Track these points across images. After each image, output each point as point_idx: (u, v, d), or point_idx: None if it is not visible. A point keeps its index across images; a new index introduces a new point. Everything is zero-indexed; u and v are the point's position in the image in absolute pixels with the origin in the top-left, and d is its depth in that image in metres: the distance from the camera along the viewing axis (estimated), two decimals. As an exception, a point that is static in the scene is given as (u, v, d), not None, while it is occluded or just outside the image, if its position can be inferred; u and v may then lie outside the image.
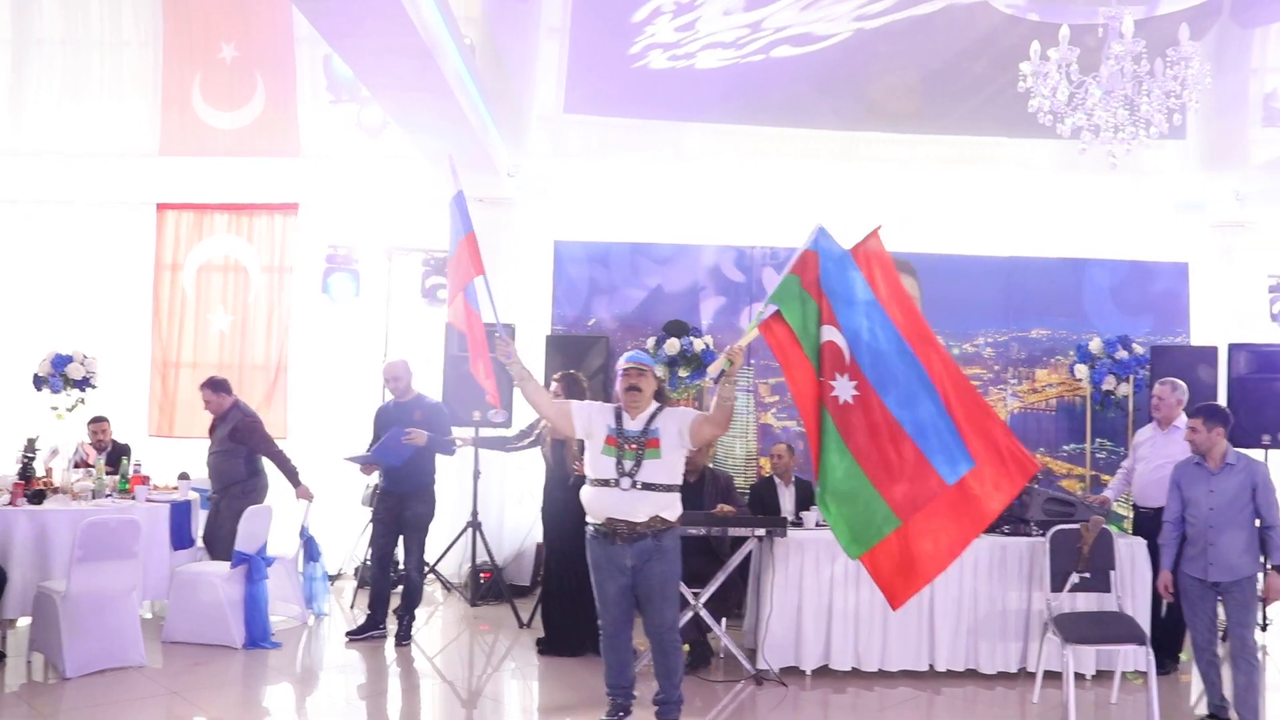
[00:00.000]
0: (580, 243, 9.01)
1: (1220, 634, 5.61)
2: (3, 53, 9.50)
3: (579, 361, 7.92)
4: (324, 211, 9.26)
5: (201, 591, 6.73)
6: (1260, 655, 6.37)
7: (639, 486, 4.96)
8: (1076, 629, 5.62)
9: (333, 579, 8.86)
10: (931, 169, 9.21)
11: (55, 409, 8.43)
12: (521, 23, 8.76)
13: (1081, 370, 8.47)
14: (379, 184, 9.14)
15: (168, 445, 8.98)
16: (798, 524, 6.75)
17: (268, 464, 7.62)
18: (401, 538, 7.14)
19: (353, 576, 8.76)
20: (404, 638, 7.01)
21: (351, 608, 8.03)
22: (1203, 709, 5.71)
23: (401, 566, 7.30)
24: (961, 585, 6.43)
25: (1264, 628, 7.02)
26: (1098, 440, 8.70)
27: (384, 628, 7.10)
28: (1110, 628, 5.69)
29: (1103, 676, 6.35)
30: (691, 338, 8.22)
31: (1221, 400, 7.57)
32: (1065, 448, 8.82)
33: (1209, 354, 8.10)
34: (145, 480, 7.30)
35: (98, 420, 8.23)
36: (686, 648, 6.60)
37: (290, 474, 7.48)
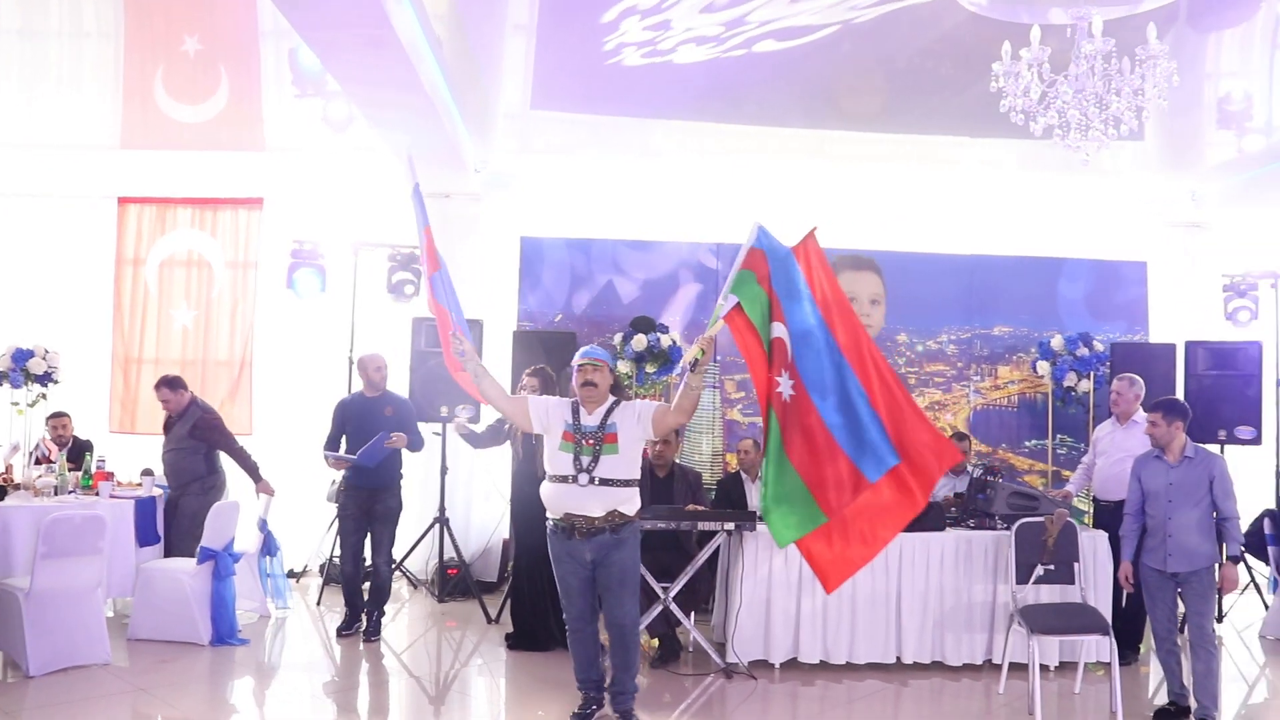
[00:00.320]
0: (547, 239, 9.02)
1: (1180, 623, 5.73)
2: (-41, 43, 9.33)
3: (546, 358, 7.89)
4: (289, 206, 9.18)
5: (167, 588, 6.66)
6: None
7: (596, 482, 4.98)
8: (1042, 620, 5.72)
9: (298, 576, 8.82)
10: (896, 167, 9.30)
11: (16, 404, 8.30)
12: (488, 19, 8.72)
13: (1043, 367, 8.60)
14: (345, 178, 9.08)
15: (129, 441, 8.86)
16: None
17: (226, 460, 7.56)
18: (370, 532, 7.10)
19: (319, 573, 8.70)
20: (373, 633, 7.00)
21: (318, 604, 7.98)
22: (1162, 698, 5.83)
23: (369, 562, 7.27)
24: (928, 579, 6.51)
25: (1220, 619, 7.18)
26: (1059, 436, 8.85)
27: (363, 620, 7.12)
28: (1075, 619, 5.79)
29: (1065, 668, 6.45)
30: (658, 334, 8.25)
31: (1179, 397, 7.72)
32: (1027, 443, 8.96)
33: (1167, 351, 8.26)
34: (109, 476, 7.21)
35: (58, 415, 8.11)
36: (655, 642, 6.65)
37: (251, 470, 7.43)
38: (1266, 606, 7.85)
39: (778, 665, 6.45)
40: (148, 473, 7.53)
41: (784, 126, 9.32)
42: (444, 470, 8.16)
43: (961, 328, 9.06)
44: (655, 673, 6.41)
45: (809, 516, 4.96)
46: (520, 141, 9.18)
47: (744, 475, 7.59)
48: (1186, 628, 5.57)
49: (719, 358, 8.71)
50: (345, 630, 7.06)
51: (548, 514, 5.15)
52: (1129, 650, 6.57)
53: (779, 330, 5.06)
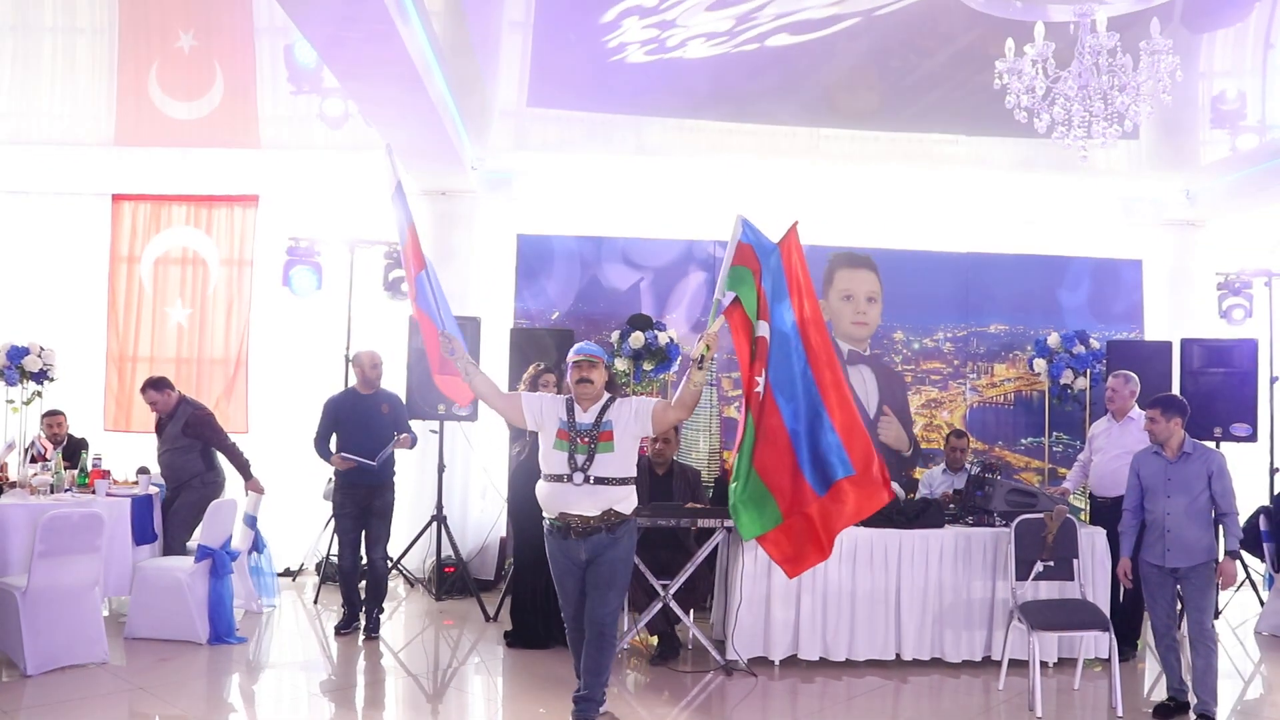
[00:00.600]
0: (543, 236, 9.01)
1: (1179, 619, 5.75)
2: (-48, 40, 9.29)
3: (543, 356, 7.90)
4: (285, 203, 9.15)
5: (165, 586, 6.63)
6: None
7: (591, 481, 4.90)
8: (1042, 616, 5.74)
9: (294, 574, 8.79)
10: (892, 165, 9.32)
11: (11, 402, 8.26)
12: (486, 15, 8.72)
13: (1040, 364, 8.63)
14: (341, 175, 9.06)
15: (124, 440, 8.82)
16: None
17: (223, 458, 7.55)
18: (366, 528, 7.08)
19: (314, 572, 8.67)
20: (374, 631, 6.99)
21: (315, 603, 7.96)
22: (1160, 694, 5.85)
23: (365, 559, 7.25)
24: (927, 575, 6.52)
25: (1216, 615, 7.19)
26: (1055, 434, 8.87)
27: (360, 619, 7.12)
28: (1075, 614, 5.81)
29: (1064, 664, 6.47)
30: (656, 331, 8.25)
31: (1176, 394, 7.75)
32: (1023, 441, 8.98)
33: (1163, 349, 8.29)
34: (105, 474, 7.17)
35: (53, 414, 8.07)
36: (655, 640, 6.65)
37: (242, 467, 7.41)
38: (1262, 603, 7.89)
39: (777, 662, 6.45)
40: (144, 471, 7.50)
41: (780, 124, 9.33)
42: (441, 468, 8.15)
43: (958, 325, 9.08)
44: (655, 670, 6.41)
45: (771, 516, 5.27)
46: (517, 139, 9.18)
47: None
48: (1185, 623, 5.58)
49: (715, 355, 8.70)
50: (344, 629, 7.04)
51: (543, 513, 5.08)
52: (1127, 646, 6.59)
53: (763, 329, 5.16)
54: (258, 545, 7.67)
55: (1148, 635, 6.60)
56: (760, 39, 8.80)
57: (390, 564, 7.41)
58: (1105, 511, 6.79)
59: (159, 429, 7.57)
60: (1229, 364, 8.18)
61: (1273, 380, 8.54)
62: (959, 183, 9.37)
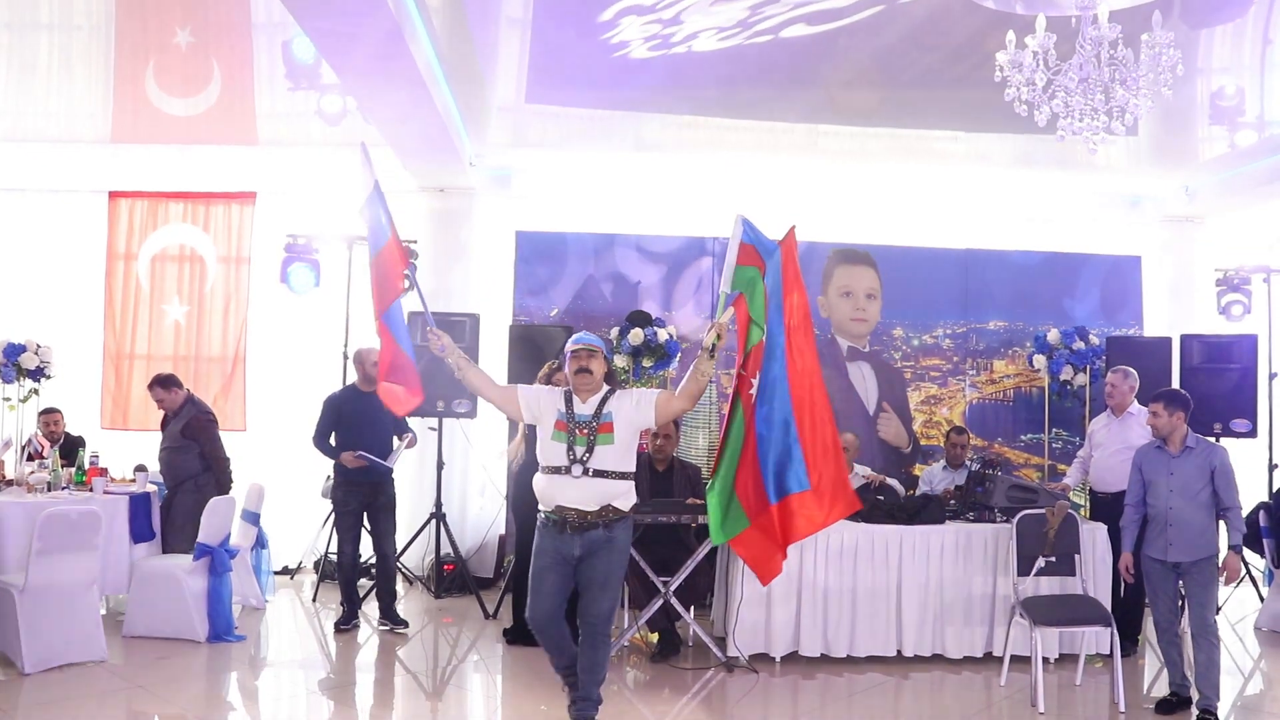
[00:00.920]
0: (542, 233, 8.99)
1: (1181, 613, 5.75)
2: (-52, 37, 9.24)
3: (542, 352, 7.87)
4: (282, 200, 9.13)
5: (164, 584, 6.61)
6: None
7: (591, 474, 4.74)
8: (1045, 612, 5.73)
9: (293, 572, 8.77)
10: (891, 162, 9.29)
11: (8, 400, 8.23)
12: (484, 12, 8.69)
13: (1040, 361, 8.62)
14: (339, 172, 9.01)
15: (121, 438, 8.80)
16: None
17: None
18: (373, 524, 7.13)
19: (313, 570, 8.65)
20: (397, 620, 7.08)
21: (314, 600, 7.94)
22: (1162, 689, 5.84)
23: (375, 554, 7.24)
24: (928, 571, 6.51)
25: (1217, 610, 7.19)
26: (1055, 430, 8.87)
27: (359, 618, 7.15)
28: (1077, 610, 5.80)
29: (1065, 660, 6.46)
30: (655, 328, 8.23)
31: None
32: (1023, 438, 8.98)
33: (1163, 345, 8.28)
34: (103, 472, 7.15)
35: (50, 411, 8.05)
36: (655, 636, 6.64)
37: (223, 483, 7.33)
38: (1262, 599, 7.89)
39: (778, 659, 6.43)
40: (141, 469, 7.48)
41: (779, 121, 9.31)
42: (440, 465, 8.12)
43: (957, 322, 9.07)
44: (655, 667, 6.39)
45: (738, 519, 5.34)
46: (516, 135, 9.14)
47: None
48: (1187, 618, 5.57)
49: (724, 345, 8.69)
50: (344, 625, 7.03)
51: (539, 506, 4.92)
52: (1127, 642, 6.57)
53: (757, 334, 5.17)
54: (261, 541, 7.66)
55: (1148, 631, 6.61)
56: (775, 30, 8.76)
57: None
58: (1106, 507, 6.78)
59: (164, 426, 7.54)
60: (1228, 360, 8.17)
61: (1272, 376, 8.53)
62: (958, 179, 9.35)
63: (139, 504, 7.08)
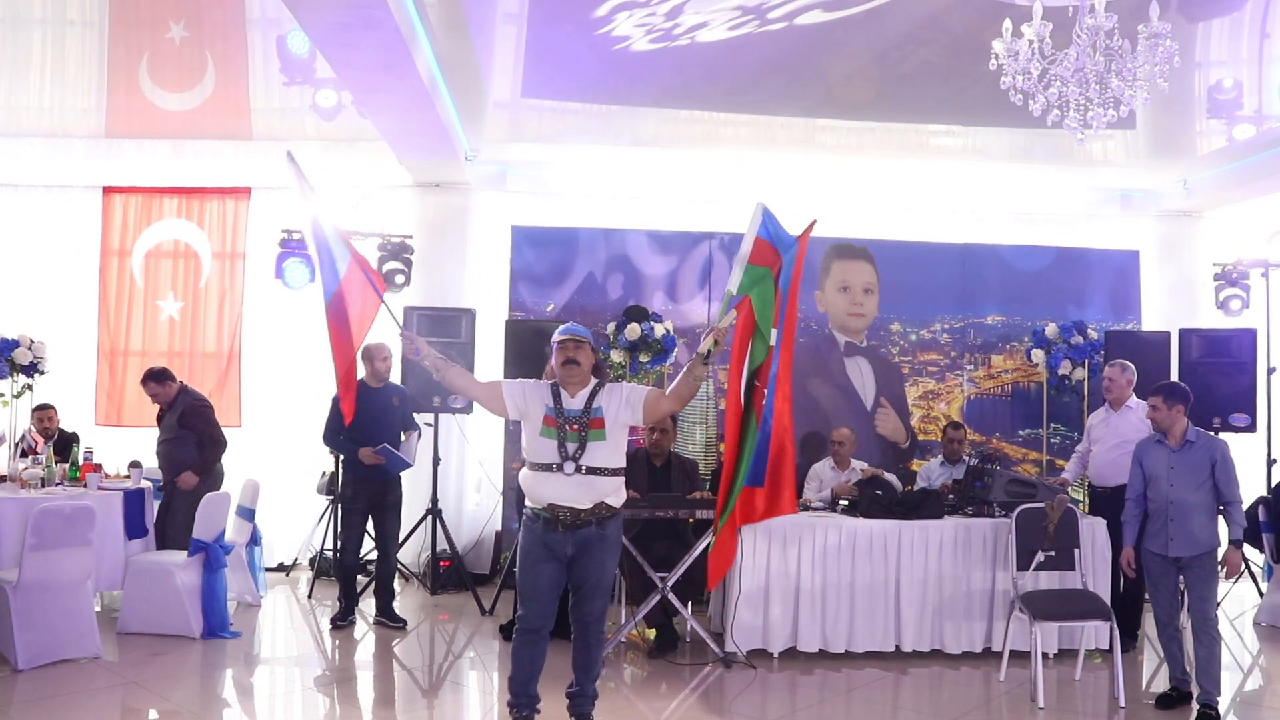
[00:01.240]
0: (537, 228, 8.96)
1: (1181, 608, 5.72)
2: (-60, 32, 9.19)
3: (538, 348, 7.83)
4: (277, 195, 9.07)
5: (158, 580, 6.56)
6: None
7: (584, 471, 4.59)
8: (1044, 606, 5.70)
9: (288, 569, 8.73)
10: (888, 156, 9.27)
11: (1, 396, 8.18)
12: (479, 7, 8.65)
13: (1038, 355, 8.60)
14: (333, 167, 8.99)
15: (116, 434, 8.76)
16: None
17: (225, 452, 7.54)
18: (377, 523, 7.08)
19: (308, 566, 8.62)
20: (398, 620, 7.04)
21: (310, 597, 7.90)
22: (1161, 684, 5.82)
23: (377, 553, 7.21)
24: (926, 566, 6.49)
25: (1216, 605, 7.17)
26: (1053, 425, 8.85)
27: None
28: (1077, 604, 5.77)
29: (1064, 655, 6.44)
30: (652, 323, 8.19)
31: (1176, 383, 7.73)
32: (1021, 432, 8.95)
33: (1162, 339, 8.26)
34: (97, 468, 7.12)
35: (44, 408, 8.01)
36: (653, 632, 6.61)
37: (208, 462, 7.33)
38: (1261, 594, 7.87)
39: (776, 654, 6.41)
40: (135, 465, 7.44)
41: (776, 115, 9.28)
42: (436, 461, 8.09)
43: (955, 317, 9.05)
44: (653, 663, 6.36)
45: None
46: (512, 130, 9.11)
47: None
48: (1188, 613, 5.55)
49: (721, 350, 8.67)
50: (340, 622, 6.99)
51: (527, 503, 4.77)
52: (1127, 637, 6.54)
53: (763, 347, 5.05)
54: (256, 538, 7.63)
55: (1148, 626, 6.58)
56: (789, 17, 8.72)
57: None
58: (1105, 501, 6.75)
59: (160, 420, 7.52)
60: (1227, 354, 8.16)
61: (1271, 370, 8.51)
62: (956, 173, 9.32)
63: (133, 500, 7.04)
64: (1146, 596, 5.97)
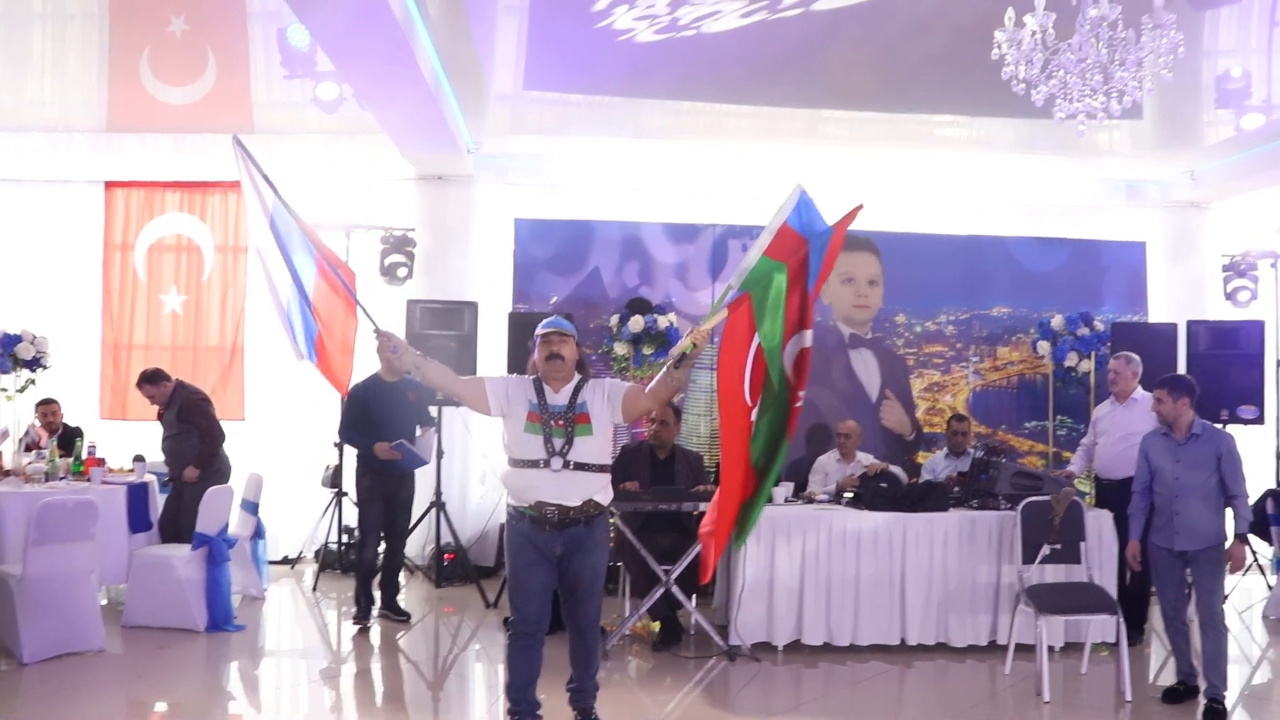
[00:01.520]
0: (540, 220, 8.93)
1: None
2: (-59, 26, 9.17)
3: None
4: (279, 189, 9.03)
5: (162, 574, 6.57)
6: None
7: (571, 467, 4.45)
8: (1050, 600, 5.68)
9: (293, 562, 8.74)
10: (893, 147, 9.22)
11: (4, 390, 8.18)
12: (480, -1, 8.64)
13: (1044, 347, 8.55)
14: (335, 160, 8.97)
15: (119, 428, 8.76)
16: (768, 500, 6.69)
17: (227, 445, 7.53)
18: (388, 518, 7.02)
19: (313, 559, 8.61)
20: (400, 611, 7.05)
21: (314, 590, 7.90)
22: (1168, 678, 5.79)
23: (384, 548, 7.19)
24: (931, 559, 6.46)
25: (1224, 599, 7.14)
26: (1059, 417, 8.81)
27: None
28: (1082, 598, 5.75)
29: (1070, 649, 6.41)
30: (655, 315, 8.17)
31: (1182, 375, 7.69)
32: (1027, 425, 8.92)
33: (1168, 331, 8.22)
34: (100, 463, 7.12)
35: (47, 402, 8.01)
36: (657, 625, 6.60)
37: (207, 455, 7.32)
38: (1270, 587, 7.83)
39: (781, 647, 6.39)
40: (139, 459, 7.45)
41: (779, 106, 9.24)
42: (440, 454, 8.06)
43: (960, 308, 9.00)
44: (657, 656, 6.35)
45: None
46: (514, 123, 9.08)
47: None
48: (1195, 606, 5.51)
49: (715, 339, 8.61)
50: (364, 622, 6.82)
51: (510, 501, 4.62)
52: (1133, 630, 6.50)
53: (808, 339, 4.47)
54: (260, 531, 7.63)
55: (1155, 619, 6.55)
56: (804, 2, 8.68)
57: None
58: (1111, 494, 6.71)
59: (160, 417, 7.53)
60: (1235, 346, 8.11)
61: (1279, 362, 8.46)
62: (961, 164, 9.27)
63: (137, 494, 7.05)
64: (1153, 589, 5.94)
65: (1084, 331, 8.42)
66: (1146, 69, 5.42)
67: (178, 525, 7.13)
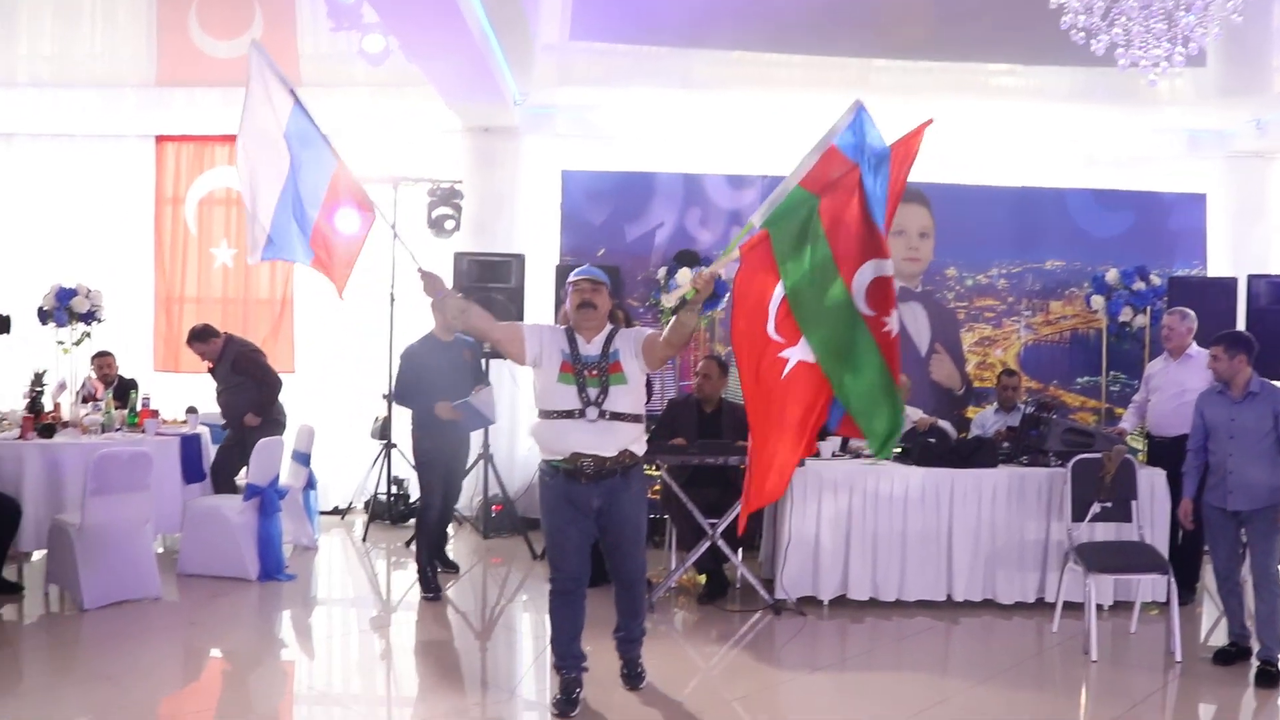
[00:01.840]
0: (588, 172, 8.86)
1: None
2: (-9, -18, 9.25)
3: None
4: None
5: (215, 524, 6.69)
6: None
7: (607, 416, 4.40)
8: (1100, 559, 5.61)
9: (343, 513, 8.87)
10: (945, 97, 9.00)
11: (61, 343, 8.33)
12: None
13: (1098, 301, 8.39)
14: (382, 113, 8.97)
15: (173, 380, 8.91)
16: (815, 454, 6.67)
17: (283, 395, 7.68)
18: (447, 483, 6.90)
19: (363, 510, 8.74)
20: (449, 563, 7.18)
21: (364, 540, 8.02)
22: (1219, 639, 5.72)
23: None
24: (979, 515, 6.42)
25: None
26: (1112, 373, 8.65)
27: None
28: (1133, 557, 5.68)
29: (1119, 607, 6.36)
30: (703, 267, 8.10)
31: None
32: (1079, 380, 8.77)
33: (1228, 285, 8.01)
34: (154, 414, 7.24)
35: (103, 355, 8.15)
36: (703, 578, 6.62)
37: (265, 403, 7.46)
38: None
39: (826, 602, 6.40)
40: (192, 410, 7.57)
41: (829, 55, 9.05)
42: (487, 406, 8.11)
43: (1012, 261, 8.84)
44: (702, 609, 6.38)
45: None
46: (560, 74, 8.97)
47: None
48: (1249, 566, 5.43)
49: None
50: (433, 594, 6.54)
51: (544, 455, 4.57)
52: (1184, 590, 6.41)
53: (888, 268, 4.19)
54: (311, 482, 7.75)
55: (1206, 579, 6.47)
56: None
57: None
58: (1164, 452, 6.60)
59: (213, 373, 7.64)
60: (1298, 301, 7.89)
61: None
62: (1015, 114, 9.05)
63: (190, 445, 7.17)
64: (1205, 548, 5.85)
65: (1139, 285, 8.24)
66: (1214, 13, 5.22)
67: (231, 473, 7.26)
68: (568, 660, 4.65)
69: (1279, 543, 5.32)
